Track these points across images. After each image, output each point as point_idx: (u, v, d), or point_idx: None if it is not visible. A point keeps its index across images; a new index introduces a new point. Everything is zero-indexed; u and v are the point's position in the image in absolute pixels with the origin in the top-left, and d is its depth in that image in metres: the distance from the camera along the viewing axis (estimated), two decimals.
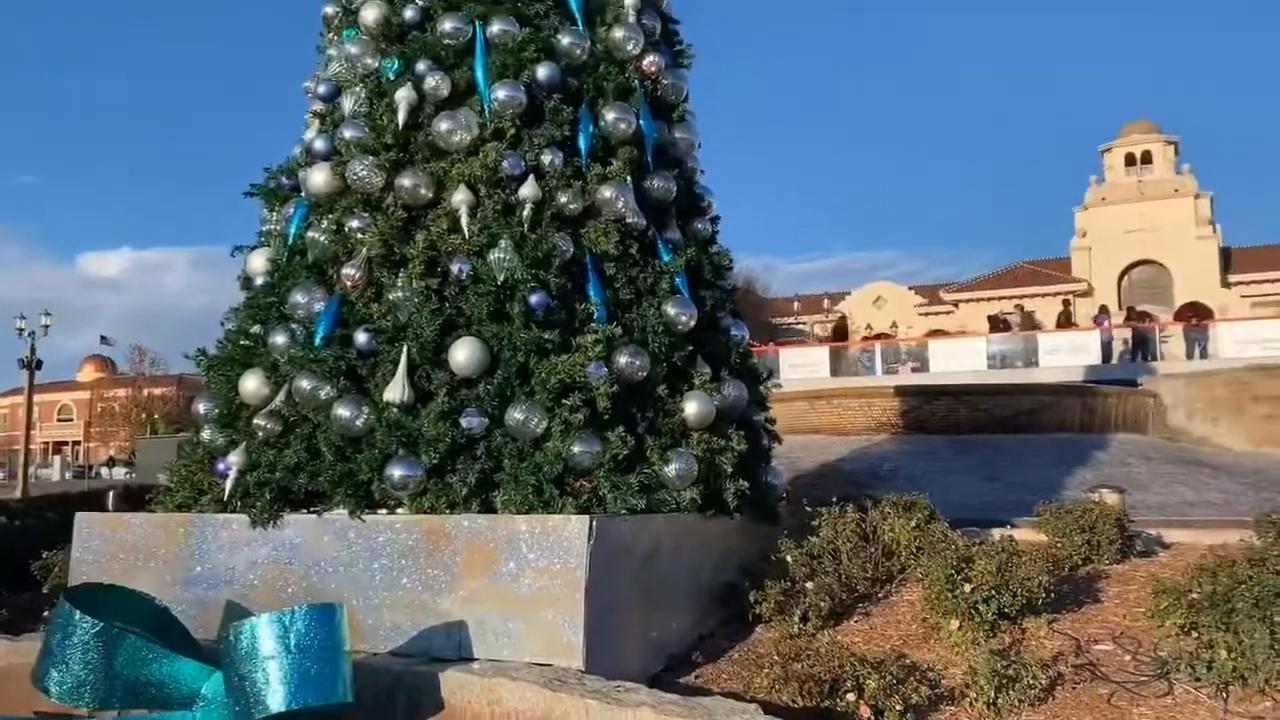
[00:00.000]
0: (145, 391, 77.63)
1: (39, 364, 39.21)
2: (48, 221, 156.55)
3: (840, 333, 38.23)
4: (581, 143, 6.98)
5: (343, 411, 6.05)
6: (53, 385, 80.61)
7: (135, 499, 9.46)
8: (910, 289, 74.21)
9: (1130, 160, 65.04)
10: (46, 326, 39.00)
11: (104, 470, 59.43)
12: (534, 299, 6.18)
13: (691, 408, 6.62)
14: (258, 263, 7.26)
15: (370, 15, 7.27)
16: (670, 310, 6.82)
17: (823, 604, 6.27)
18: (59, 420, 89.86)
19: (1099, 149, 66.91)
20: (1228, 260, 63.85)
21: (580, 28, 7.39)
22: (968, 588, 5.91)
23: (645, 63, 7.63)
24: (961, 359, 29.74)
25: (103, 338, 66.10)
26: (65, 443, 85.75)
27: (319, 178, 6.92)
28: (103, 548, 6.54)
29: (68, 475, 58.02)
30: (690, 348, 6.95)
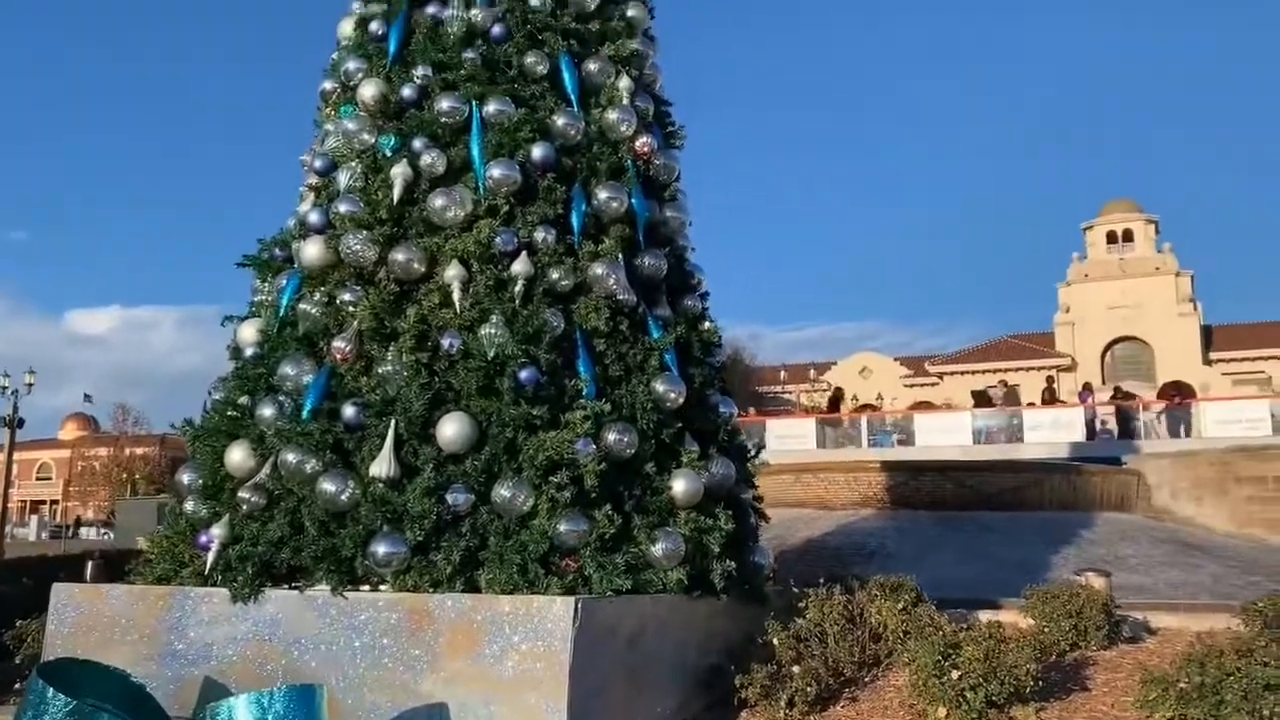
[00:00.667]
0: (127, 451, 76.85)
1: (20, 422, 38.82)
2: (38, 277, 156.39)
3: (835, 403, 38.28)
4: (574, 220, 7.06)
5: (328, 486, 6.01)
6: (33, 443, 79.84)
7: (115, 566, 9.33)
8: (896, 360, 74.58)
9: (1112, 238, 65.99)
10: (30, 384, 38.71)
11: (82, 530, 58.66)
12: (524, 374, 6.20)
13: (679, 486, 6.60)
14: (248, 333, 7.27)
15: (368, 92, 7.40)
16: (659, 387, 6.84)
17: (809, 689, 6.19)
18: (38, 478, 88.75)
19: (1081, 226, 67.90)
20: (1209, 338, 64.53)
21: (575, 109, 7.53)
22: (955, 674, 5.86)
23: (638, 143, 7.76)
24: (947, 434, 29.77)
25: (86, 396, 65.78)
26: (43, 501, 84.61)
27: (313, 250, 6.96)
28: (79, 620, 6.43)
29: (44, 535, 57.18)
30: (679, 425, 6.96)
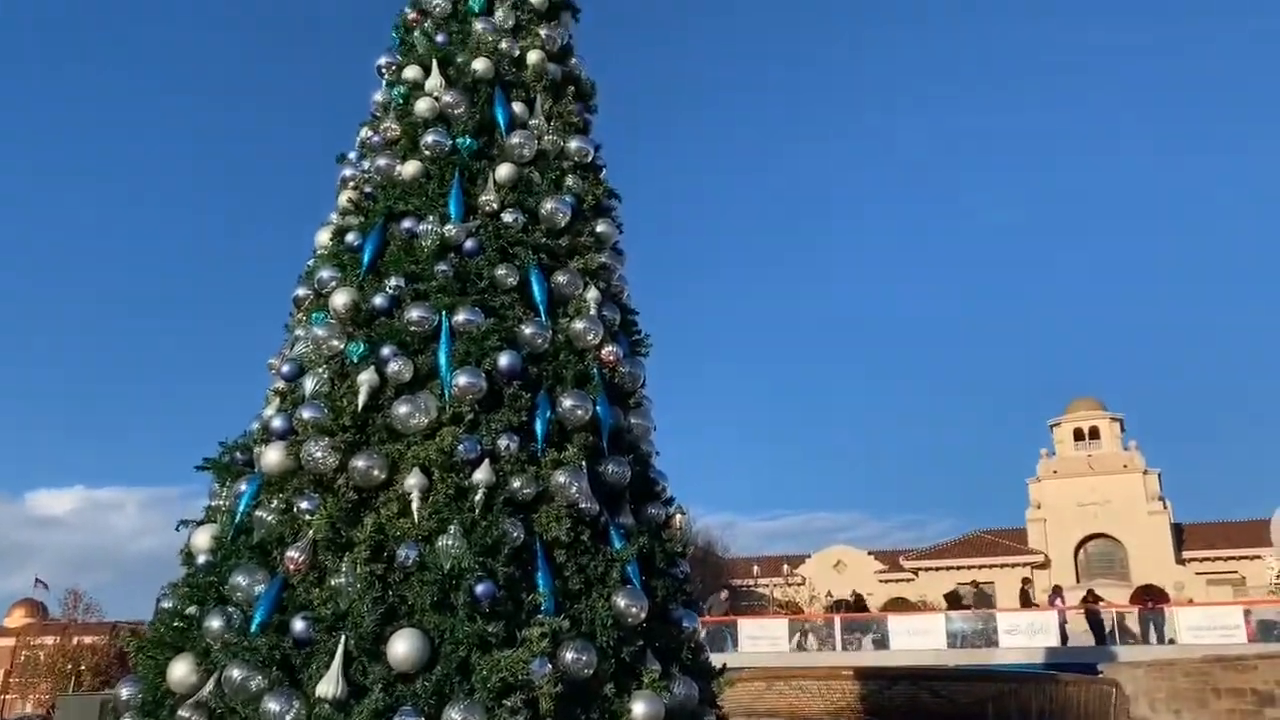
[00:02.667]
0: (75, 640, 73.79)
1: None
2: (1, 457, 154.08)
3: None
4: (538, 428, 7.09)
5: (272, 705, 5.76)
6: None
7: None
8: (870, 554, 73.88)
9: (1079, 435, 66.99)
10: None
11: None
12: (480, 589, 6.07)
13: (640, 709, 6.37)
14: (201, 539, 7.12)
15: (340, 300, 7.53)
16: (621, 602, 6.70)
17: None
18: None
19: (1048, 423, 68.97)
20: (1180, 536, 64.60)
21: (543, 318, 7.69)
22: None
23: (604, 352, 7.90)
24: (921, 636, 29.18)
25: (37, 580, 63.75)
26: None
27: (273, 456, 6.92)
28: None
29: None
30: (640, 642, 6.78)
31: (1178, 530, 64.28)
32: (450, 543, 6.23)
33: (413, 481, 6.52)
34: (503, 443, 6.84)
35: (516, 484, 6.70)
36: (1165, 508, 63.49)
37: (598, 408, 7.45)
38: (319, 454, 6.72)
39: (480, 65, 8.79)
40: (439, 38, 9.11)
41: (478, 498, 6.52)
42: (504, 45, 9.04)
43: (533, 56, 9.12)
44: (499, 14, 9.28)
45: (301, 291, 8.25)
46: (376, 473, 6.66)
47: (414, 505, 6.45)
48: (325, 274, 7.95)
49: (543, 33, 9.34)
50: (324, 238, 8.45)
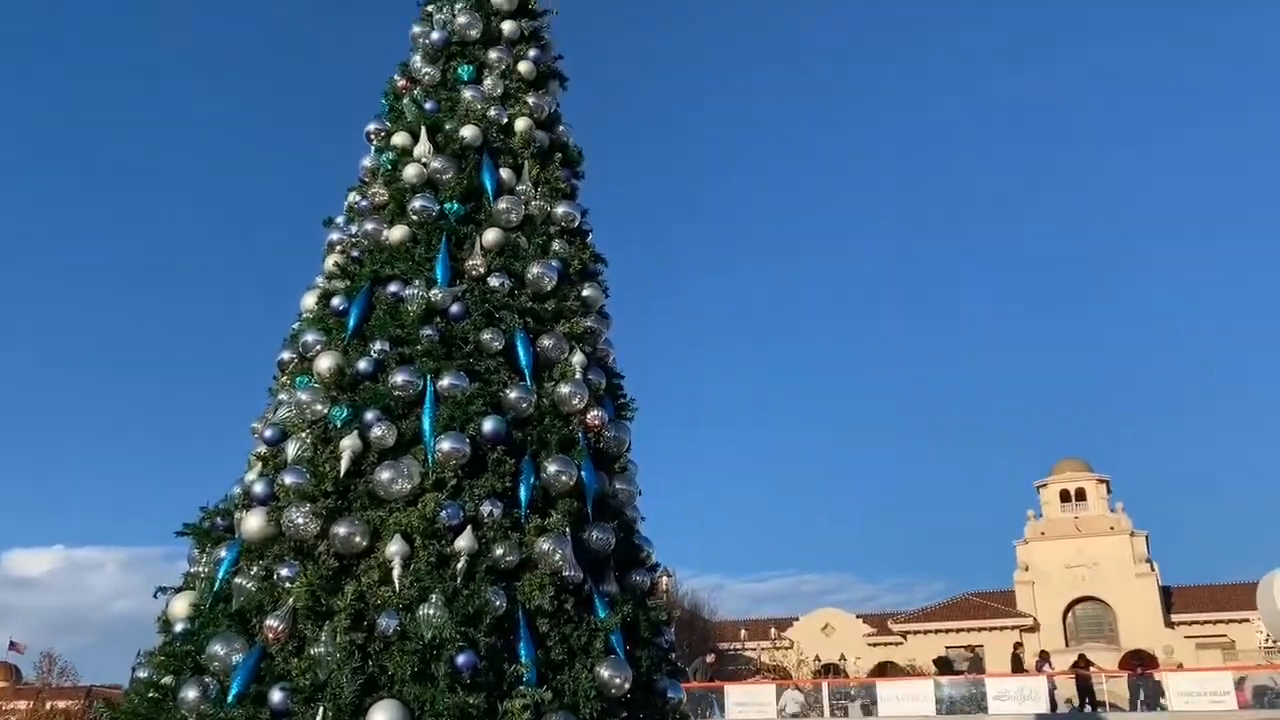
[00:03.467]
0: (49, 705, 72.12)
1: None
2: None
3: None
4: (522, 494, 7.05)
5: None
6: None
7: None
8: (859, 617, 73.20)
9: (1065, 496, 66.93)
10: None
11: None
12: (461, 659, 5.99)
13: None
14: (179, 607, 7.01)
15: (325, 364, 7.52)
16: (604, 673, 6.61)
17: None
18: None
19: (1035, 484, 68.93)
20: (1168, 599, 64.31)
21: (528, 383, 7.69)
22: None
23: (589, 417, 7.89)
24: (911, 702, 28.83)
25: (12, 643, 62.48)
26: None
27: (254, 522, 6.85)
28: None
29: None
30: (624, 714, 6.68)
31: (1166, 593, 63.98)
32: (432, 612, 6.15)
33: (394, 549, 6.46)
34: (486, 509, 6.79)
35: (499, 551, 6.64)
36: (1153, 570, 63.25)
37: (582, 473, 7.42)
38: (300, 520, 6.66)
39: (468, 132, 8.89)
40: (428, 105, 9.22)
41: (460, 565, 6.46)
42: (492, 113, 9.16)
43: (521, 124, 9.24)
44: (488, 82, 9.41)
45: (286, 355, 8.23)
46: (358, 539, 6.60)
47: (395, 573, 6.38)
48: (310, 338, 7.94)
49: (531, 100, 9.47)
50: (310, 301, 8.46)
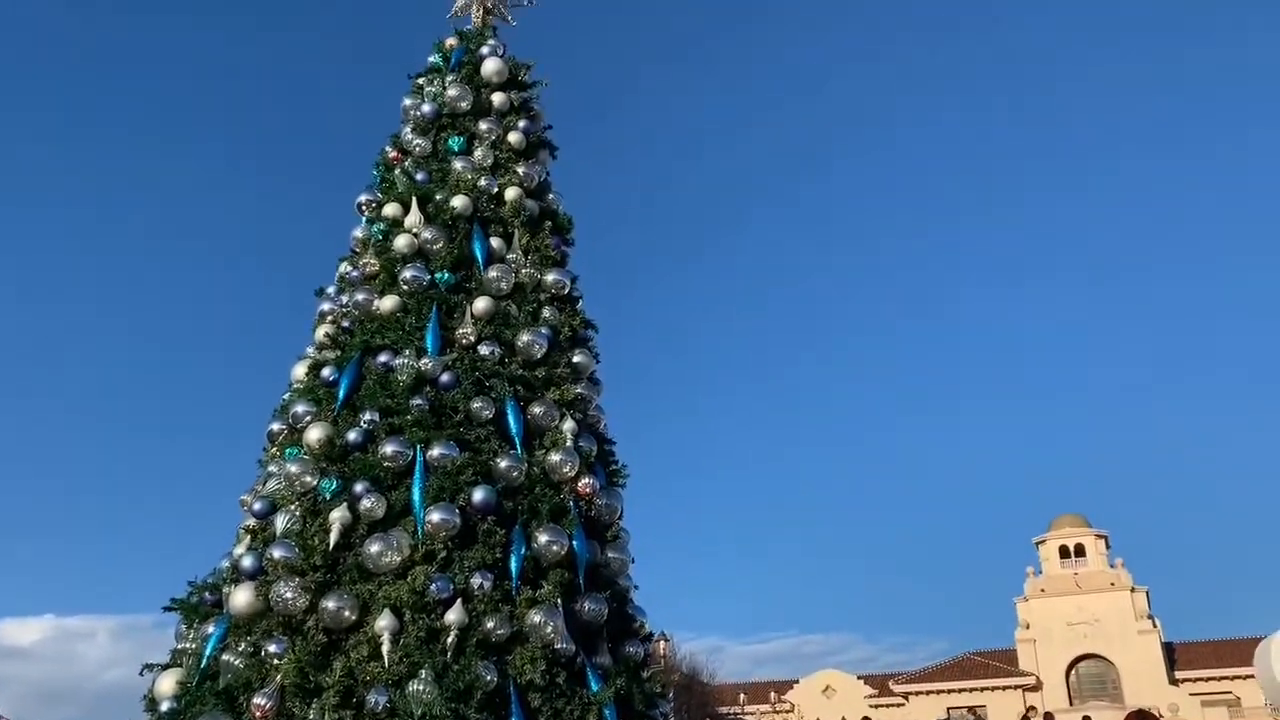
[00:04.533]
0: None
1: None
2: None
3: None
4: (513, 565, 7.00)
5: None
6: None
7: None
8: (860, 678, 72.19)
9: (1064, 552, 66.48)
10: None
11: None
12: None
13: None
14: (166, 685, 6.91)
15: (314, 435, 7.50)
16: None
17: None
18: None
19: (1033, 540, 68.51)
20: (1171, 655, 63.58)
21: (518, 451, 7.67)
22: None
23: (580, 484, 7.86)
24: None
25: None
26: None
27: (242, 597, 6.79)
28: None
29: None
30: None
31: (1169, 649, 63.29)
32: (421, 688, 6.08)
33: (384, 623, 6.40)
34: (476, 581, 6.74)
35: (490, 624, 6.58)
36: (1155, 626, 62.63)
37: (574, 543, 7.38)
38: (289, 595, 6.60)
39: (459, 202, 8.98)
40: (419, 176, 9.32)
41: (450, 640, 6.39)
42: (483, 183, 9.25)
43: (511, 193, 9.33)
44: (478, 153, 9.52)
45: (276, 426, 8.21)
46: (347, 614, 6.53)
47: (385, 648, 6.32)
48: (300, 408, 7.94)
49: (521, 170, 9.58)
50: (300, 371, 8.46)
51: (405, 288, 8.49)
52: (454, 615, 6.49)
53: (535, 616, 6.76)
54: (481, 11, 10.82)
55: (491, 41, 10.33)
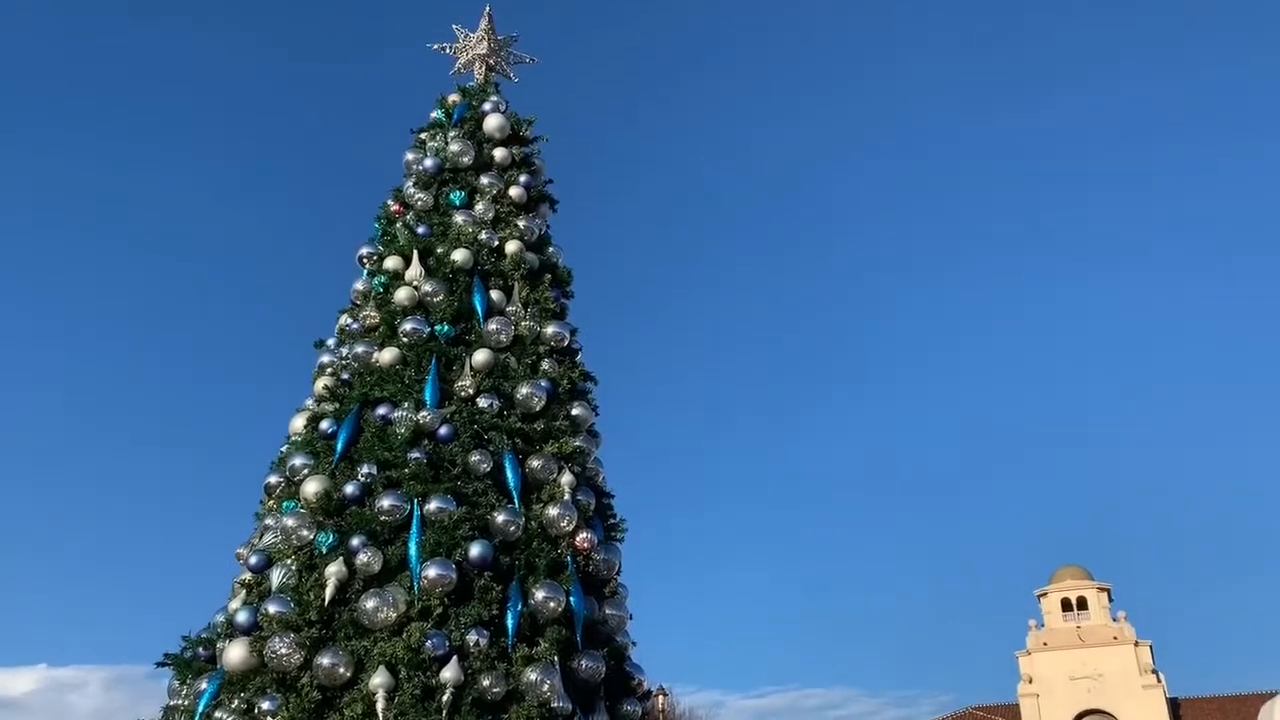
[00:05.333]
0: None
1: None
2: None
3: None
4: (509, 622, 6.95)
5: None
6: None
7: None
8: None
9: (1066, 605, 65.81)
10: None
11: None
12: None
13: None
14: None
15: (312, 488, 7.48)
16: None
17: None
18: None
19: (1035, 593, 67.88)
20: (1176, 711, 62.77)
21: (516, 505, 7.65)
22: None
23: (578, 539, 7.83)
24: None
25: None
26: None
27: (236, 654, 6.73)
28: None
29: None
30: None
31: (1174, 705, 62.43)
32: None
33: (378, 681, 6.34)
34: (472, 638, 6.68)
35: (486, 682, 6.52)
36: (1159, 682, 61.86)
37: (571, 599, 7.33)
38: (283, 651, 6.54)
39: (460, 255, 9.03)
40: (420, 229, 9.39)
41: (445, 698, 6.33)
42: (483, 236, 9.32)
43: (511, 246, 9.40)
44: (479, 206, 9.61)
45: (273, 479, 8.19)
46: (342, 671, 6.47)
47: (379, 706, 6.25)
48: (298, 461, 7.92)
49: (521, 224, 9.66)
50: (298, 424, 8.46)
51: (405, 340, 8.52)
52: (450, 673, 6.42)
53: (532, 674, 6.70)
54: (484, 69, 10.97)
55: (494, 98, 10.46)
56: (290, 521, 7.37)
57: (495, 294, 9.09)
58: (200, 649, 7.35)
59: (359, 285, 9.39)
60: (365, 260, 9.57)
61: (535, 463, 8.06)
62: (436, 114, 10.44)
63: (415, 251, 9.11)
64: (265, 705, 6.40)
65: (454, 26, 11.18)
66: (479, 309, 8.88)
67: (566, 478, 8.08)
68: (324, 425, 8.08)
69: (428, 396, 8.05)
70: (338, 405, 8.24)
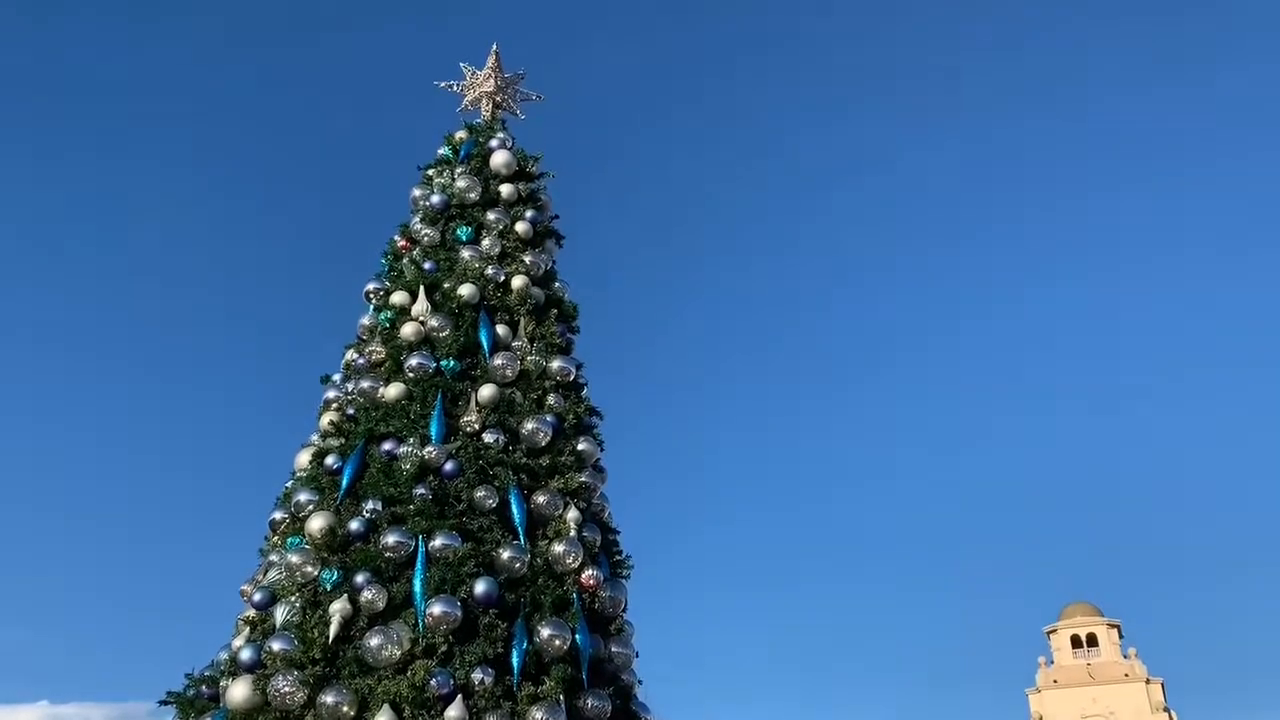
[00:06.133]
0: None
1: None
2: None
3: None
4: (514, 660, 6.89)
5: None
6: None
7: None
8: None
9: (1076, 642, 65.20)
10: None
11: None
12: None
13: None
14: None
15: (317, 525, 7.46)
16: None
17: None
18: None
19: (1044, 630, 67.26)
20: None
21: (522, 541, 7.61)
22: None
23: (584, 576, 7.77)
24: None
25: None
26: None
27: (239, 692, 6.68)
28: None
29: None
30: None
31: None
32: None
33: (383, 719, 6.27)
34: (477, 676, 6.63)
35: None
36: (1172, 719, 61.21)
37: (577, 637, 7.26)
38: (287, 689, 6.49)
39: (466, 290, 9.05)
40: (427, 265, 9.42)
41: None
42: (490, 271, 9.34)
43: (517, 282, 9.41)
44: (486, 242, 9.64)
45: (278, 515, 8.16)
46: (345, 709, 6.42)
47: None
48: (303, 497, 7.90)
49: (527, 259, 9.68)
50: (304, 459, 8.44)
51: (411, 375, 8.52)
52: (454, 712, 6.37)
53: (537, 713, 6.63)
54: (491, 106, 11.06)
55: (500, 134, 10.54)
56: (295, 558, 7.34)
57: (501, 329, 9.11)
58: (203, 687, 7.28)
59: (365, 320, 9.41)
60: (372, 295, 9.60)
61: (541, 498, 8.03)
62: (444, 150, 10.52)
63: (422, 286, 9.13)
64: None
65: (461, 65, 11.28)
66: (485, 344, 8.88)
67: (572, 514, 8.04)
68: (329, 461, 8.07)
69: (433, 432, 8.04)
70: (343, 441, 8.23)
